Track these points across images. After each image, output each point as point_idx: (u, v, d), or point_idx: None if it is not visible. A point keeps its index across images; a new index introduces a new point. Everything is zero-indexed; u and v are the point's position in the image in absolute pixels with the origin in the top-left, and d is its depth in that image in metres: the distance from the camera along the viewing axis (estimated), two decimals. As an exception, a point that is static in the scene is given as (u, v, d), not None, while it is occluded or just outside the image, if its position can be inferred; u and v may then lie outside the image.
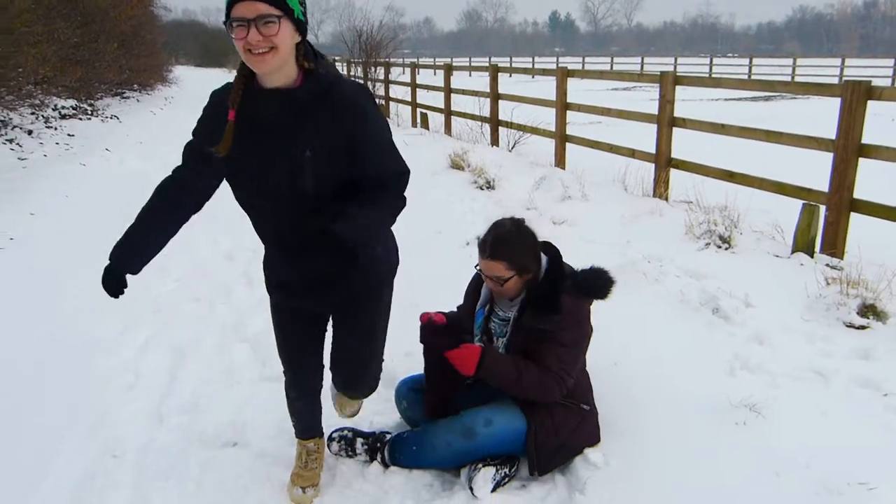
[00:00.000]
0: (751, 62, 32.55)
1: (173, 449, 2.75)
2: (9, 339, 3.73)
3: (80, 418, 2.95)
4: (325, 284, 2.13)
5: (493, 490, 2.46)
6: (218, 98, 1.96)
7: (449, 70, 11.79)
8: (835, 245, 4.65)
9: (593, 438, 2.61)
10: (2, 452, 2.70)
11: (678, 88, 6.34)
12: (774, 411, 2.76)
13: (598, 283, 2.51)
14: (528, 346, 2.46)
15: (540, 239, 2.60)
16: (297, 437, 2.56)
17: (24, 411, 3.02)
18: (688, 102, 18.11)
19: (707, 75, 32.21)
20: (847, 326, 3.52)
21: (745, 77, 30.66)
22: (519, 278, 2.47)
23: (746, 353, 3.25)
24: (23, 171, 7.87)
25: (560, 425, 2.50)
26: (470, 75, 27.98)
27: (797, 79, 29.24)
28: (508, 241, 2.46)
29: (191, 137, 2.05)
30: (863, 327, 3.49)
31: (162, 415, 3.01)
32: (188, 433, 2.86)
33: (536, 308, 2.45)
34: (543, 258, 2.56)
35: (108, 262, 2.06)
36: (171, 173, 2.13)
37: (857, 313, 3.54)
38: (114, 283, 2.05)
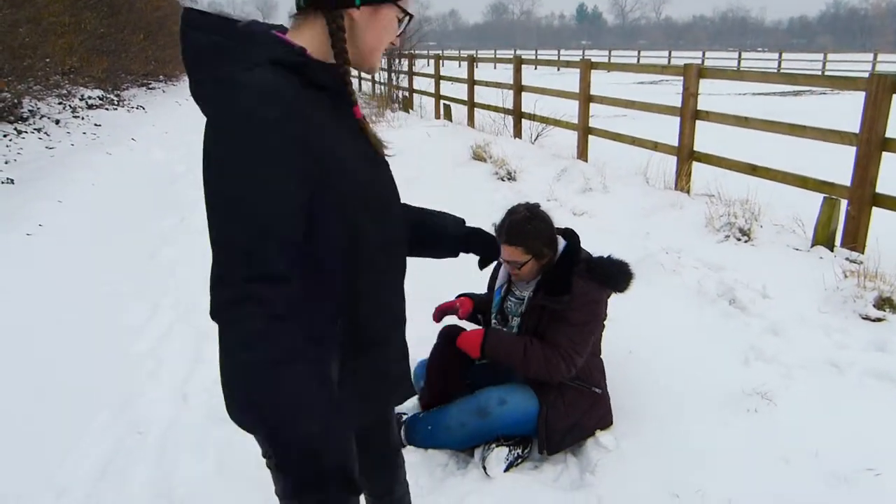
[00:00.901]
0: (780, 57, 32.07)
1: (196, 427, 2.84)
2: (39, 321, 3.86)
3: (108, 397, 3.05)
4: None
5: (506, 470, 2.51)
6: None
7: (473, 61, 11.80)
8: (856, 239, 4.61)
9: (605, 421, 2.65)
10: (33, 428, 2.81)
11: (706, 82, 6.29)
12: (787, 400, 2.78)
13: (613, 271, 2.55)
14: (540, 325, 2.53)
15: (557, 225, 2.65)
16: None
17: (53, 390, 3.13)
18: (714, 97, 17.97)
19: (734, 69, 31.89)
20: (863, 319, 3.51)
21: (774, 72, 30.25)
22: (535, 262, 2.54)
23: (761, 343, 3.27)
24: (50, 160, 8.05)
25: (571, 407, 2.54)
26: (495, 67, 27.92)
27: (828, 73, 28.78)
28: (523, 226, 2.52)
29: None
30: (879, 319, 3.48)
31: (185, 395, 3.11)
32: (210, 413, 2.94)
33: (548, 288, 2.51)
34: (562, 242, 2.61)
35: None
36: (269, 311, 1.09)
37: (874, 306, 3.53)
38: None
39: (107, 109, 12.90)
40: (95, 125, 10.96)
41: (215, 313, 1.10)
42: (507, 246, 2.52)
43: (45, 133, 9.37)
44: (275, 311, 1.07)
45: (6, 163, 7.43)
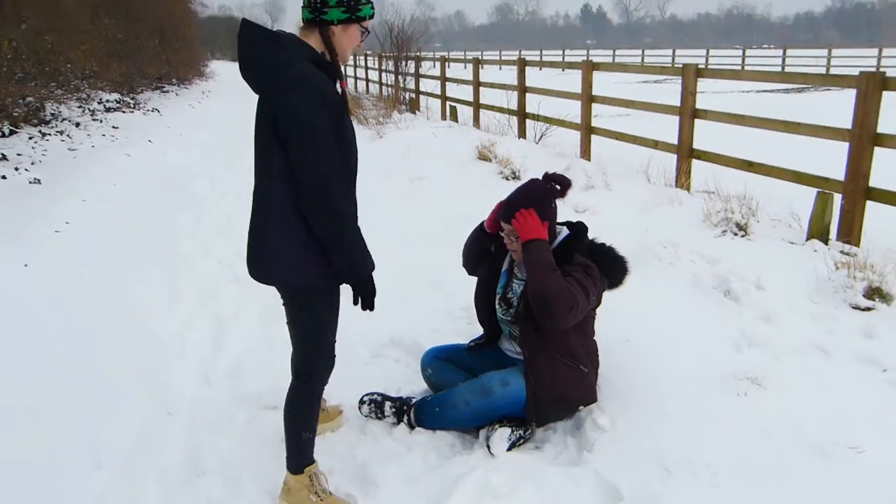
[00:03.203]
0: (784, 53, 32.06)
1: (220, 408, 3.05)
2: (69, 310, 4.08)
3: (136, 380, 3.27)
4: None
5: (509, 449, 2.70)
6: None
7: (478, 64, 11.99)
8: (850, 232, 4.78)
9: (589, 398, 2.85)
10: (67, 409, 3.02)
11: (710, 81, 6.46)
12: (775, 383, 2.95)
13: (609, 257, 2.75)
14: None
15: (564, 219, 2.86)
16: (310, 461, 2.45)
17: (85, 373, 3.34)
18: (718, 94, 18.07)
19: (736, 67, 31.88)
20: (853, 308, 3.68)
21: (779, 68, 30.27)
22: None
23: (753, 330, 3.44)
24: (73, 161, 8.30)
25: (558, 380, 2.73)
26: (500, 69, 28.05)
27: (833, 69, 28.78)
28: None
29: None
30: (868, 308, 3.65)
31: (209, 378, 3.32)
32: (233, 394, 3.16)
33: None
34: (565, 231, 2.80)
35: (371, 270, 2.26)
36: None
37: (864, 295, 3.70)
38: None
39: (123, 112, 13.15)
40: (113, 127, 11.22)
41: (316, 204, 2.08)
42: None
43: (68, 135, 9.63)
44: (343, 203, 2.14)
45: (32, 164, 7.68)
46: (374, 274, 2.26)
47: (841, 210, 4.86)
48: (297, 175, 2.07)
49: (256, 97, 2.20)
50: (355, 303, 2.27)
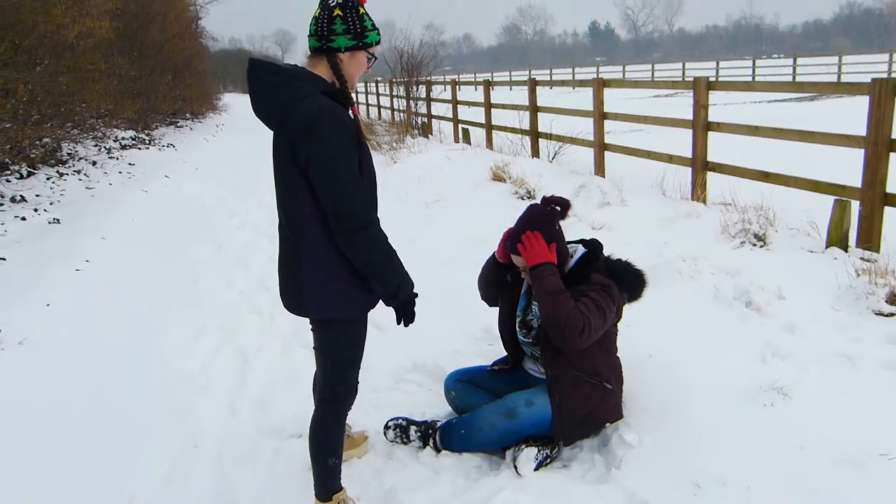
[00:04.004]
0: (795, 62, 31.96)
1: (247, 440, 3.07)
2: (94, 345, 4.14)
3: (163, 415, 3.30)
4: None
5: (536, 469, 2.69)
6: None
7: (488, 86, 12.09)
8: (870, 239, 4.74)
9: (615, 415, 2.84)
10: (97, 448, 3.04)
11: (722, 93, 6.47)
12: (802, 393, 2.92)
13: (627, 272, 2.74)
14: None
15: (580, 237, 2.87)
16: (338, 488, 2.48)
17: (112, 409, 3.38)
18: (731, 106, 18.07)
19: (747, 78, 31.83)
20: (876, 314, 3.64)
21: (790, 77, 30.18)
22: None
23: (777, 341, 3.41)
24: (91, 200, 8.45)
25: (584, 399, 2.73)
26: (510, 89, 28.23)
27: (844, 76, 28.63)
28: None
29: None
30: (892, 314, 3.61)
31: (235, 410, 3.34)
32: (259, 426, 3.18)
33: (569, 281, 2.71)
34: (581, 250, 2.82)
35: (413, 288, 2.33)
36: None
37: (886, 301, 3.66)
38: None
39: (139, 149, 13.39)
40: (129, 164, 11.42)
41: (352, 236, 2.12)
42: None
43: (85, 174, 9.82)
44: (378, 230, 2.17)
45: (51, 204, 7.83)
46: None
47: (859, 217, 4.82)
48: (330, 211, 2.10)
49: (271, 132, 2.23)
50: (398, 322, 2.34)
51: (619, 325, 2.91)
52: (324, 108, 2.08)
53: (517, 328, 2.95)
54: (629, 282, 2.77)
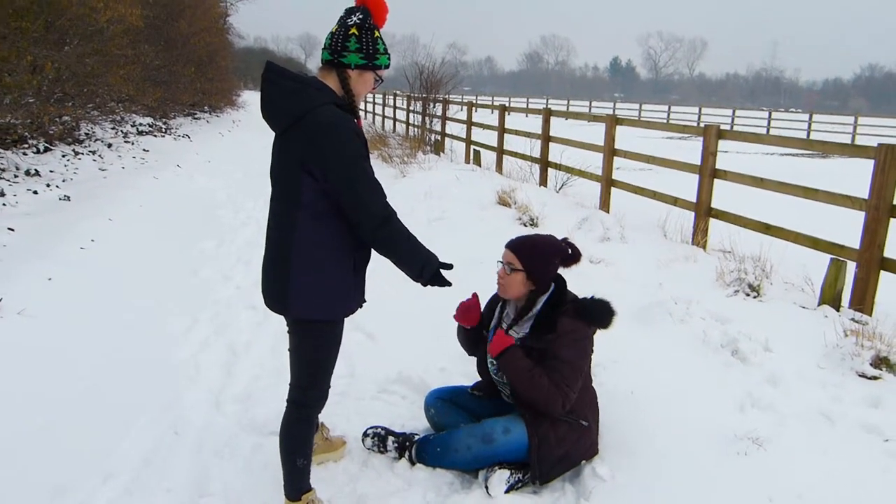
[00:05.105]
0: (810, 118, 32.21)
1: (227, 433, 3.11)
2: (90, 324, 4.20)
3: (150, 399, 3.35)
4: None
5: (507, 491, 2.72)
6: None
7: (504, 111, 12.22)
8: (863, 301, 4.78)
9: (591, 452, 2.88)
10: (83, 424, 3.10)
11: (736, 143, 6.54)
12: (777, 446, 2.96)
13: (597, 309, 2.80)
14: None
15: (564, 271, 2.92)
16: (307, 488, 2.52)
17: (101, 388, 3.44)
18: (742, 154, 18.19)
19: (762, 128, 32.04)
20: (860, 376, 3.68)
21: (805, 133, 30.38)
22: (525, 279, 2.80)
23: (758, 392, 3.45)
24: (103, 181, 8.55)
25: (561, 439, 2.77)
26: (527, 116, 28.48)
27: (859, 138, 28.82)
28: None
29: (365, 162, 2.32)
30: (875, 378, 3.65)
31: (219, 403, 3.39)
32: (241, 420, 3.23)
33: (537, 328, 2.78)
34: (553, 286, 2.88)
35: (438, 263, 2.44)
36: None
37: (871, 364, 3.70)
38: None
39: (155, 136, 13.54)
40: (144, 150, 11.54)
41: (378, 230, 2.27)
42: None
43: (99, 155, 9.94)
44: (398, 220, 2.32)
45: (63, 181, 7.93)
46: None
47: (855, 278, 4.87)
48: (354, 209, 2.22)
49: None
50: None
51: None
52: (337, 116, 2.22)
53: (488, 363, 2.99)
54: (601, 319, 2.82)
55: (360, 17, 2.29)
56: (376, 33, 2.32)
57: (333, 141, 2.18)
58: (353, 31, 2.28)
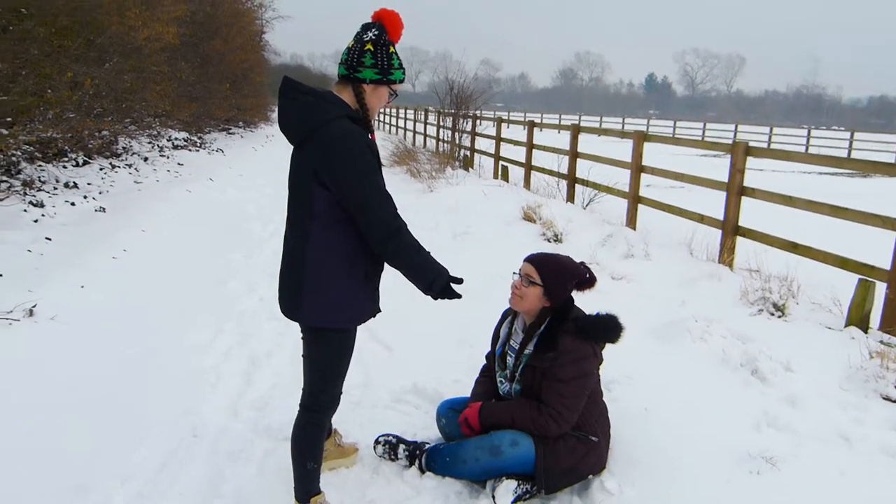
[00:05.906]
0: (852, 137, 31.56)
1: (243, 438, 3.18)
2: (119, 331, 4.33)
3: (171, 405, 3.45)
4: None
5: (514, 502, 2.74)
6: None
7: (532, 126, 12.26)
8: (893, 323, 4.68)
9: (599, 466, 2.88)
10: (106, 426, 3.20)
11: (773, 162, 6.48)
12: (792, 466, 2.91)
13: (600, 326, 2.80)
14: (534, 383, 2.82)
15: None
16: (316, 491, 2.58)
17: (124, 393, 3.54)
18: (778, 173, 17.91)
19: (801, 146, 31.51)
20: (883, 398, 3.61)
21: (846, 151, 29.79)
22: (541, 295, 2.83)
23: (776, 411, 3.40)
24: (138, 193, 8.80)
25: (570, 452, 2.78)
26: (559, 132, 28.45)
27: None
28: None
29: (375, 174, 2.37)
30: (899, 401, 3.57)
31: (236, 409, 3.47)
32: (256, 426, 3.29)
33: (539, 347, 2.80)
34: None
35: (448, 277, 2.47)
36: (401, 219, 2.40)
37: (895, 386, 3.62)
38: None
39: (189, 150, 13.88)
40: (178, 164, 11.85)
41: (388, 242, 2.31)
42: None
43: (135, 169, 10.24)
44: (409, 233, 2.37)
45: (100, 193, 8.20)
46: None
47: (886, 299, 4.77)
48: (364, 220, 2.28)
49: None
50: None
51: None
52: (350, 129, 2.29)
53: (495, 367, 3.06)
54: (605, 336, 2.82)
55: (376, 33, 2.36)
56: (391, 49, 2.39)
57: (345, 153, 2.24)
58: (369, 46, 2.34)
